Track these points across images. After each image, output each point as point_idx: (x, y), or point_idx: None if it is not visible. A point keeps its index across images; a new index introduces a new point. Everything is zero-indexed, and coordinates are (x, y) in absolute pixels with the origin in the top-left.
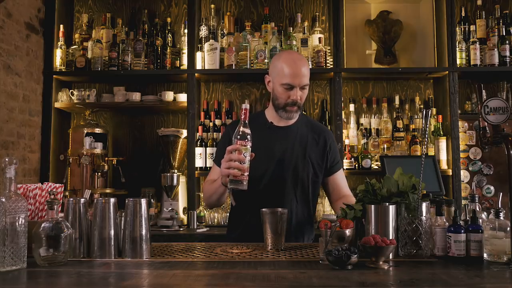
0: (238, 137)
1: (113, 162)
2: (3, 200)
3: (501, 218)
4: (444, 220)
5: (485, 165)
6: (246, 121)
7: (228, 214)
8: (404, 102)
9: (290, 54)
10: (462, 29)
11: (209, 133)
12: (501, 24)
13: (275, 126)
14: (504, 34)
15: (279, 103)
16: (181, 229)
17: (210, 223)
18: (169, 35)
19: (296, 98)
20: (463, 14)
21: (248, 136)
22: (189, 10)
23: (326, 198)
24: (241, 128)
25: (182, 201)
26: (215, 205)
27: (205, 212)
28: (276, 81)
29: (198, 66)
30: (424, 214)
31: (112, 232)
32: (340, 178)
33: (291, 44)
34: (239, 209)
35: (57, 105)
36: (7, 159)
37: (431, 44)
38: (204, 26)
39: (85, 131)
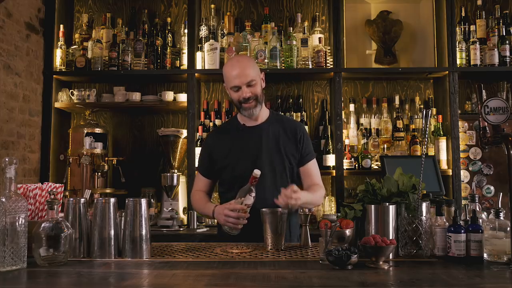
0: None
1: (113, 162)
2: (3, 200)
3: (501, 218)
4: (444, 220)
5: (485, 165)
6: (252, 187)
7: None
8: (404, 102)
9: (231, 60)
10: (462, 29)
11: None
12: (501, 24)
13: (247, 127)
14: (504, 34)
15: (236, 104)
16: (181, 229)
17: (210, 223)
18: (169, 35)
19: (245, 95)
20: (463, 14)
21: (252, 199)
22: (189, 10)
23: (326, 197)
24: (247, 193)
25: (182, 201)
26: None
27: None
28: (227, 87)
29: (198, 66)
30: (424, 214)
31: (112, 232)
32: (312, 168)
33: (291, 44)
34: None
35: (57, 105)
36: (7, 159)
37: (431, 44)
38: (204, 26)
39: (85, 131)
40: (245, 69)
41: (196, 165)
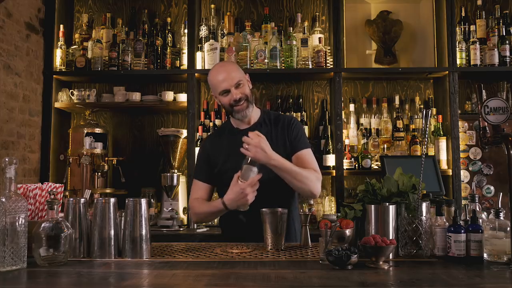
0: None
1: (113, 162)
2: (3, 200)
3: (501, 218)
4: (444, 220)
5: (485, 165)
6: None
7: None
8: (404, 102)
9: (214, 67)
10: (462, 29)
11: (209, 133)
12: (501, 24)
13: (240, 130)
14: (504, 34)
15: (228, 109)
16: (181, 229)
17: (210, 223)
18: (169, 35)
19: (235, 97)
20: (463, 14)
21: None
22: (189, 10)
23: (326, 197)
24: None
25: (182, 201)
26: (208, 221)
27: None
28: (216, 94)
29: (198, 66)
30: (424, 214)
31: (112, 232)
32: (305, 157)
33: (291, 44)
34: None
35: (57, 105)
36: (7, 159)
37: (431, 44)
38: (204, 26)
39: (85, 131)
40: (231, 72)
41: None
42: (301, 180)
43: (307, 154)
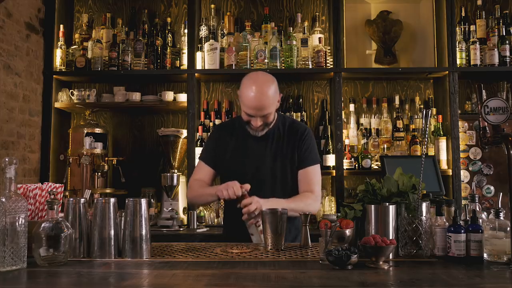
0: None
1: (113, 162)
2: (3, 200)
3: (501, 218)
4: (444, 220)
5: (485, 165)
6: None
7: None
8: (404, 102)
9: (253, 83)
10: (462, 29)
11: (209, 133)
12: (501, 24)
13: (251, 135)
14: (504, 34)
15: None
16: (181, 229)
17: (210, 223)
18: (169, 35)
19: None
20: (463, 14)
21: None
22: (189, 10)
23: (326, 197)
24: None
25: (182, 201)
26: (200, 205)
27: (205, 212)
28: (241, 103)
29: (198, 66)
30: (424, 214)
31: (112, 232)
32: (309, 175)
33: (291, 44)
34: (231, 211)
35: (57, 105)
36: (7, 159)
37: (431, 44)
38: (204, 26)
39: (85, 131)
40: (264, 102)
41: (197, 160)
42: (301, 211)
43: (313, 171)
